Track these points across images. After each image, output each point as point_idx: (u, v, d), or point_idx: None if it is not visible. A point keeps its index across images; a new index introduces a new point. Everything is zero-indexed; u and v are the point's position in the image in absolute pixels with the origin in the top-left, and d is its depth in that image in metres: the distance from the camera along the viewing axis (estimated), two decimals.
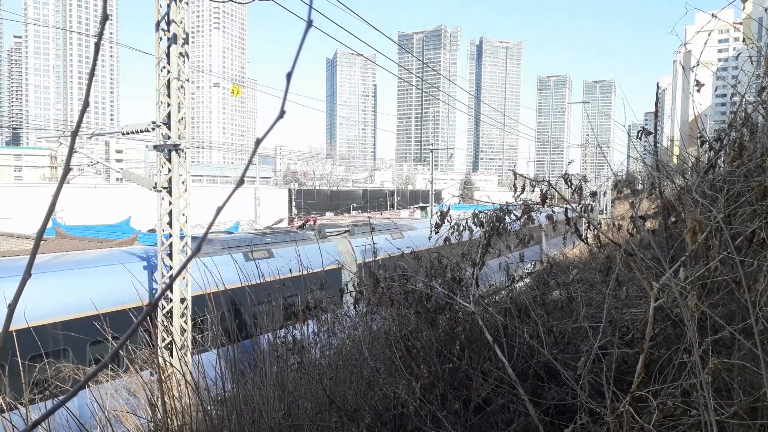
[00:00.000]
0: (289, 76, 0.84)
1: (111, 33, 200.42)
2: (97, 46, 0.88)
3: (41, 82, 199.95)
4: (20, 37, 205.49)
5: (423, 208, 53.75)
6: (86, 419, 4.56)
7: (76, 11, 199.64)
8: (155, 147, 9.49)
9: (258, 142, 0.86)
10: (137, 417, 5.03)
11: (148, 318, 5.62)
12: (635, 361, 3.04)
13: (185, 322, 9.42)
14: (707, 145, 4.22)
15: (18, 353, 5.94)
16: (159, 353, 5.54)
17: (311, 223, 17.01)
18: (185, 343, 9.23)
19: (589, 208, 4.80)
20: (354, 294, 5.38)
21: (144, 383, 5.07)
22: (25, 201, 31.76)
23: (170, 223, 9.39)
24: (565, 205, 4.71)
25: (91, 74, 0.88)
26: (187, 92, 9.44)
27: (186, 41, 9.36)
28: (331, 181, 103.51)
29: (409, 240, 6.02)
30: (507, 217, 5.30)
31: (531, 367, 4.20)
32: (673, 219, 4.03)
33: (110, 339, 5.82)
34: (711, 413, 2.49)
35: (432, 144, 66.13)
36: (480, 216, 5.34)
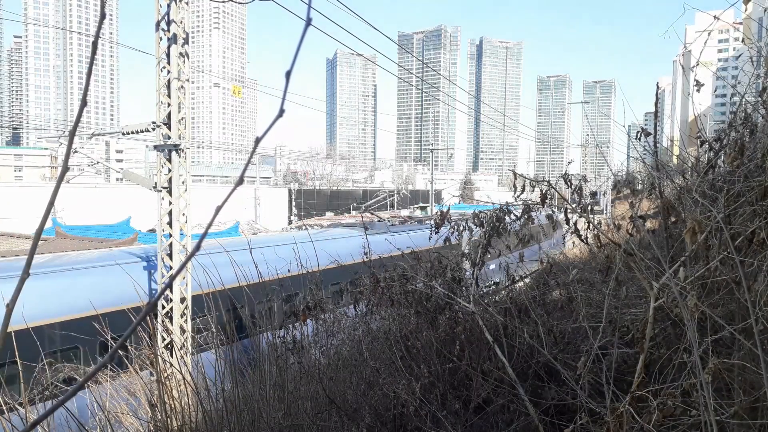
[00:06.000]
0: (288, 74, 0.84)
1: (111, 33, 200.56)
2: (95, 45, 0.88)
3: (41, 82, 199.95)
4: (20, 37, 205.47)
5: (423, 208, 53.77)
6: (85, 419, 4.55)
7: (76, 11, 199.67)
8: (155, 147, 9.48)
9: (257, 140, 0.86)
10: (137, 418, 5.02)
11: (147, 318, 5.62)
12: (635, 361, 3.04)
13: (185, 322, 9.42)
14: (707, 145, 4.21)
15: None
16: (159, 353, 5.54)
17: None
18: (185, 343, 9.23)
19: (589, 207, 4.80)
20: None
21: (144, 383, 5.07)
22: (25, 201, 31.75)
23: (170, 223, 9.39)
24: (564, 206, 4.71)
25: (89, 73, 0.88)
26: (187, 92, 9.44)
27: (186, 41, 9.35)
28: (331, 181, 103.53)
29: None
30: (507, 217, 5.30)
31: (531, 367, 4.20)
32: (673, 219, 4.02)
33: (109, 339, 5.81)
34: (711, 413, 2.48)
35: (432, 144, 66.16)
36: (480, 216, 5.34)
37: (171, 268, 9.36)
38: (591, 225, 4.47)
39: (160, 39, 9.24)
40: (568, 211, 4.68)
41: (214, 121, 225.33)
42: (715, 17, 5.05)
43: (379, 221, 21.04)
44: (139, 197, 25.75)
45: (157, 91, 9.30)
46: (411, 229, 17.47)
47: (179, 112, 9.30)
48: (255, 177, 56.31)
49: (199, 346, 9.02)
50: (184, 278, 9.44)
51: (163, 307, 9.39)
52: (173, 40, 9.10)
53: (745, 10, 4.85)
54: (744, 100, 4.25)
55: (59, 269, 9.32)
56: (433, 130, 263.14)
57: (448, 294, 4.78)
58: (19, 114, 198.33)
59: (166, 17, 9.11)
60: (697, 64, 4.44)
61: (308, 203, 59.60)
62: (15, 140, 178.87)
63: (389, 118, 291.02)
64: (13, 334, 6.47)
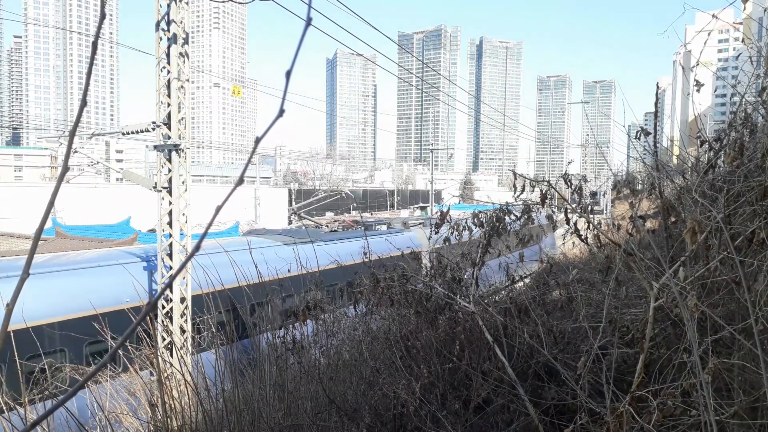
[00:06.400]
0: (288, 74, 0.84)
1: (111, 33, 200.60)
2: (95, 45, 0.87)
3: (41, 82, 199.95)
4: (20, 37, 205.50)
5: (423, 208, 53.75)
6: (85, 419, 4.55)
7: (76, 11, 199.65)
8: (155, 147, 9.48)
9: (257, 140, 0.86)
10: (136, 418, 5.02)
11: (147, 318, 5.62)
12: (635, 361, 3.04)
13: (185, 322, 9.42)
14: (707, 145, 4.21)
15: None
16: (159, 353, 5.54)
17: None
18: (185, 343, 9.23)
19: (588, 207, 4.80)
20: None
21: (144, 383, 5.07)
22: (25, 201, 31.72)
23: (170, 223, 9.39)
24: (564, 206, 4.71)
25: (89, 73, 0.88)
26: (187, 92, 9.44)
27: (186, 41, 9.35)
28: (331, 181, 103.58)
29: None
30: (507, 217, 5.30)
31: (531, 367, 4.20)
32: (673, 219, 4.02)
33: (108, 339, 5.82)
34: (711, 413, 2.48)
35: (432, 144, 66.13)
36: (480, 216, 5.35)
37: (171, 268, 9.37)
38: (591, 225, 4.47)
39: (160, 39, 9.24)
40: (568, 211, 4.68)
41: (214, 121, 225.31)
42: (713, 16, 5.04)
43: (315, 228, 18.95)
44: (139, 197, 25.72)
45: (157, 91, 9.30)
46: (351, 237, 15.10)
47: (179, 112, 9.30)
48: (255, 177, 56.32)
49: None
50: (183, 278, 9.44)
51: (163, 307, 9.40)
52: (173, 40, 9.10)
53: (744, 9, 4.84)
54: (744, 100, 4.25)
55: (60, 269, 9.32)
56: (433, 130, 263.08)
57: (448, 294, 4.78)
58: (19, 114, 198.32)
59: (166, 17, 9.11)
60: (697, 64, 4.43)
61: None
62: (15, 140, 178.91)
63: (389, 118, 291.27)
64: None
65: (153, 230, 14.49)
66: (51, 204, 0.93)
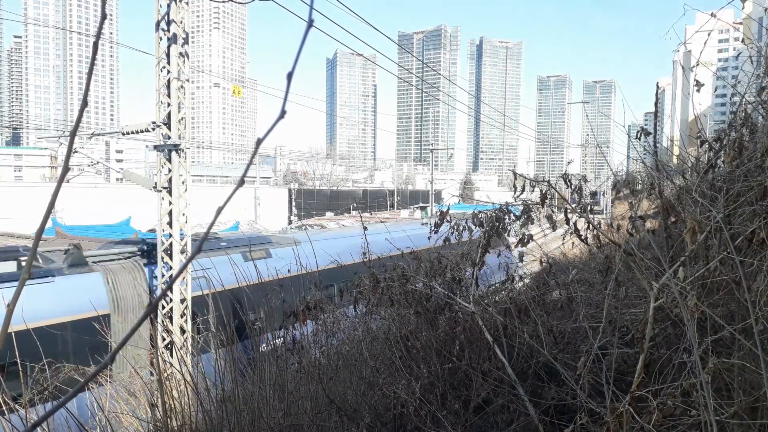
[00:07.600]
0: (289, 76, 0.84)
1: (111, 33, 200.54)
2: (96, 45, 0.88)
3: (41, 82, 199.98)
4: (20, 37, 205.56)
5: (423, 208, 53.78)
6: (85, 419, 4.55)
7: (76, 11, 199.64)
8: (155, 147, 9.49)
9: (259, 142, 0.86)
10: (137, 417, 5.03)
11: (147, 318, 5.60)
12: (635, 361, 3.04)
13: (185, 322, 9.43)
14: (707, 145, 4.21)
15: None
16: (159, 353, 5.54)
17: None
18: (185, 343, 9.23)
19: (588, 207, 4.80)
20: None
21: (144, 383, 5.08)
22: (25, 201, 31.74)
23: (170, 223, 9.39)
24: (564, 206, 4.71)
25: (90, 74, 0.88)
26: (187, 92, 9.44)
27: (186, 41, 9.35)
28: (331, 181, 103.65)
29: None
30: (506, 218, 5.30)
31: (531, 367, 4.20)
32: (672, 219, 4.02)
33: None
34: (711, 413, 2.49)
35: (432, 144, 66.23)
36: (480, 216, 5.34)
37: (171, 267, 9.37)
38: (591, 225, 4.47)
39: (160, 39, 9.24)
40: (568, 211, 4.68)
41: (214, 121, 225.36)
42: (712, 14, 5.04)
43: None
44: (139, 197, 25.72)
45: (157, 91, 9.30)
46: None
47: (179, 112, 9.30)
48: (255, 177, 56.33)
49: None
50: (183, 279, 9.44)
51: (163, 308, 9.40)
52: (173, 40, 9.10)
53: (743, 8, 4.83)
54: (744, 100, 4.25)
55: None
56: (433, 130, 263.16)
57: (448, 294, 4.78)
58: (19, 114, 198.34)
59: (166, 17, 9.11)
60: (697, 64, 4.43)
61: (308, 203, 59.62)
62: (15, 140, 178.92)
63: (389, 118, 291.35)
64: None
65: (153, 230, 14.49)
66: (51, 204, 0.93)
